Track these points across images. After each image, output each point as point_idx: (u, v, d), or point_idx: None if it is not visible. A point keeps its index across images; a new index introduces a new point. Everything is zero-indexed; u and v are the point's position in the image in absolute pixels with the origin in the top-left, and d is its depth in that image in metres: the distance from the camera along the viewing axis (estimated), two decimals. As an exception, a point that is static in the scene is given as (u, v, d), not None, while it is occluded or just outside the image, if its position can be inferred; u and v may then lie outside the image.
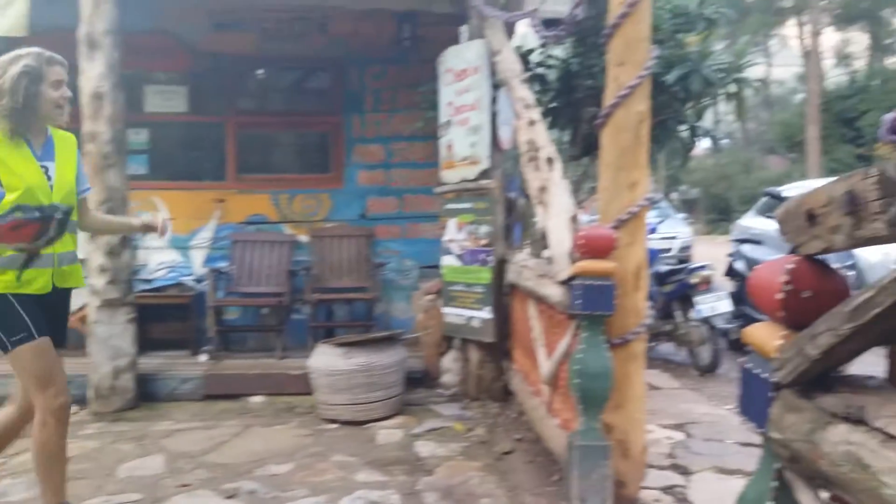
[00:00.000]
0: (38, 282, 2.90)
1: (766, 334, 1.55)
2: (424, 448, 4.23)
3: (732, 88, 5.21)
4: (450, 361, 5.54)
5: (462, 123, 5.29)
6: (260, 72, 7.14)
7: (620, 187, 3.16)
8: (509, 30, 5.36)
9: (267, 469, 3.90)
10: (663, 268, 6.92)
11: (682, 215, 18.16)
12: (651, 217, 9.99)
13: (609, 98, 3.16)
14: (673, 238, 15.47)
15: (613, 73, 3.15)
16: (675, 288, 6.57)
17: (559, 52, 6.27)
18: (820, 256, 1.48)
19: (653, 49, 3.21)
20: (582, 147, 6.00)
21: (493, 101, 5.11)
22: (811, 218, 1.39)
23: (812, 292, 1.42)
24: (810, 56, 27.38)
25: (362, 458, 4.06)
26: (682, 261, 11.68)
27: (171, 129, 6.79)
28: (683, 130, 5.76)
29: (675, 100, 5.26)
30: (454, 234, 5.38)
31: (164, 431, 4.53)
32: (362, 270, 6.62)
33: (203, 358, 5.93)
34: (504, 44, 4.88)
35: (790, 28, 34.29)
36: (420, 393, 5.44)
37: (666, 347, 7.15)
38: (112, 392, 4.97)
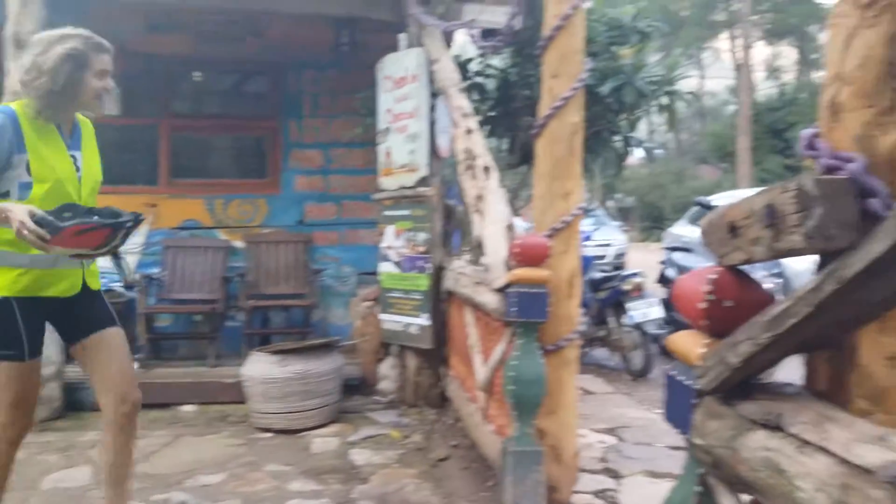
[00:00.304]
0: (64, 283, 2.66)
1: (689, 342, 1.59)
2: (360, 456, 4.21)
3: (664, 100, 5.34)
4: (387, 368, 5.54)
5: (401, 131, 5.30)
6: (196, 74, 7.02)
7: (555, 197, 3.21)
8: (448, 39, 5.39)
9: (198, 479, 3.83)
10: (597, 275, 7.05)
11: (617, 223, 18.51)
12: (586, 225, 10.17)
13: (544, 109, 3.21)
14: (608, 245, 15.76)
15: (548, 84, 3.20)
16: (609, 294, 6.70)
17: (498, 62, 6.34)
18: (743, 267, 1.52)
19: (587, 61, 3.27)
20: (520, 156, 6.08)
21: (432, 109, 5.13)
22: (733, 230, 1.44)
23: (733, 302, 1.47)
24: (742, 69, 28.25)
25: (297, 467, 4.02)
26: (617, 268, 11.91)
27: (102, 131, 6.58)
28: (617, 141, 5.88)
29: (609, 111, 5.37)
30: (392, 240, 5.38)
31: (91, 442, 4.40)
32: (299, 277, 6.56)
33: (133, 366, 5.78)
34: (442, 52, 4.91)
35: (723, 41, 35.37)
36: (357, 400, 5.41)
37: (600, 353, 7.27)
38: (37, 402, 4.79)
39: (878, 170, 1.25)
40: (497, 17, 5.09)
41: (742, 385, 1.43)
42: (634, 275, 6.65)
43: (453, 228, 5.51)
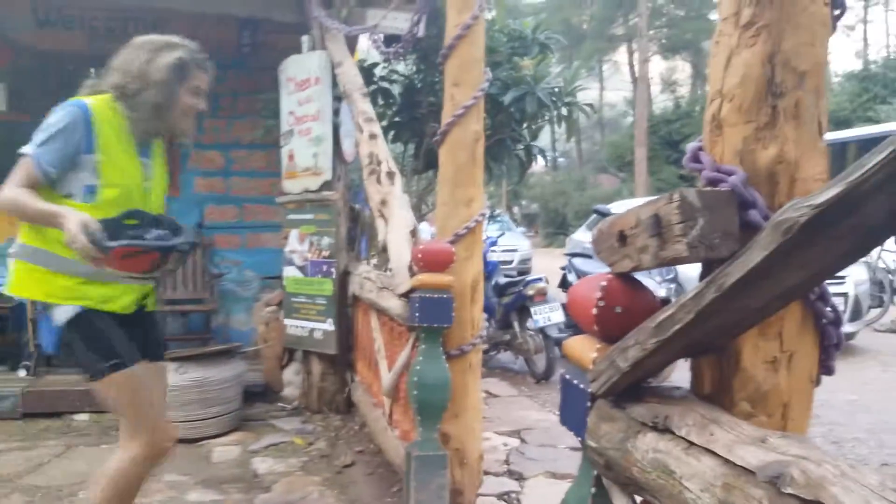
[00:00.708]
0: (126, 298, 2.45)
1: (583, 347, 1.63)
2: (262, 464, 4.13)
3: (564, 111, 5.47)
4: (292, 374, 5.45)
5: (304, 134, 5.23)
6: (91, 72, 6.73)
7: (457, 203, 3.23)
8: (351, 43, 5.37)
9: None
10: (503, 280, 7.15)
11: (522, 229, 18.85)
12: (492, 230, 10.29)
13: (446, 117, 3.23)
14: (514, 251, 16.04)
15: (450, 92, 3.22)
16: (513, 299, 6.80)
17: (403, 67, 6.36)
18: (640, 272, 1.58)
19: (487, 71, 3.31)
20: (425, 161, 6.11)
21: (336, 112, 5.09)
22: (622, 238, 1.48)
23: (623, 308, 1.51)
24: (639, 82, 29.23)
25: (195, 477, 3.90)
26: (522, 273, 12.13)
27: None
28: (520, 149, 5.99)
29: (511, 120, 5.46)
30: (296, 245, 5.31)
31: None
32: (198, 281, 6.38)
33: (22, 373, 5.50)
34: (345, 56, 4.88)
35: (622, 55, 36.53)
36: (260, 407, 5.31)
37: (505, 356, 7.37)
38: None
39: (758, 182, 1.32)
40: (400, 23, 5.10)
41: (633, 388, 1.48)
42: (538, 280, 6.78)
43: (360, 233, 5.48)
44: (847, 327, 7.18)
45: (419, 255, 3.14)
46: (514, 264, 15.49)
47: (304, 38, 5.31)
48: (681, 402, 1.37)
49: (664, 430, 1.31)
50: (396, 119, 6.27)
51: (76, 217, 2.12)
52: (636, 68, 31.17)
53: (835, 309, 1.35)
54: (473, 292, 3.32)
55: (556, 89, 5.35)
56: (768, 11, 1.28)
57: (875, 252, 9.07)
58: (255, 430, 4.76)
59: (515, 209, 36.95)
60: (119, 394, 2.40)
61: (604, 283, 1.54)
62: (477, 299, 3.35)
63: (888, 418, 5.03)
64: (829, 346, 1.37)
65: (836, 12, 1.35)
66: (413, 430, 3.33)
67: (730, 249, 1.24)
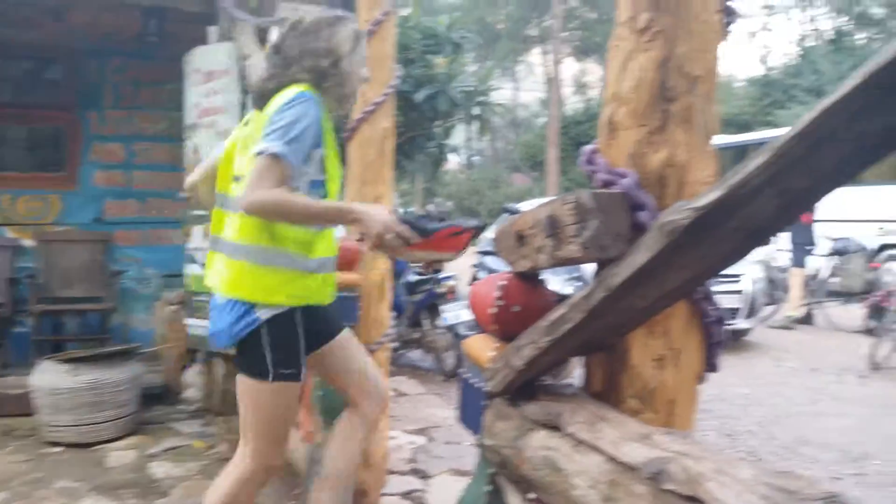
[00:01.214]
0: (330, 288, 2.33)
1: (481, 346, 1.64)
2: (160, 469, 3.99)
3: (477, 110, 5.51)
4: (194, 375, 5.29)
5: (210, 127, 5.08)
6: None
7: (366, 201, 3.21)
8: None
9: (-27, 501, 3.47)
10: (413, 277, 7.14)
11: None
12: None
13: (355, 113, 3.20)
14: (426, 248, 16.02)
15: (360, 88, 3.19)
16: (424, 297, 6.80)
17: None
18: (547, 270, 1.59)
19: (398, 68, 3.30)
20: (340, 158, 6.04)
21: (244, 106, 4.97)
22: (521, 238, 1.49)
23: (521, 307, 1.53)
24: (552, 83, 29.73)
25: (89, 483, 3.74)
26: (436, 270, 12.16)
27: None
28: (432, 147, 6.00)
29: (424, 118, 5.46)
30: (199, 241, 5.15)
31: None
32: (96, 279, 6.12)
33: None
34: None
35: (536, 56, 37.10)
36: (160, 410, 5.13)
37: (415, 354, 7.37)
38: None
39: (649, 185, 1.35)
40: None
41: (528, 386, 1.50)
42: (448, 278, 6.80)
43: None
44: (743, 324, 7.49)
45: (326, 253, 3.09)
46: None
47: (212, 29, 5.16)
48: (572, 399, 1.39)
49: (555, 427, 1.33)
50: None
51: (375, 209, 2.06)
52: (549, 70, 31.71)
53: (718, 308, 1.39)
54: (381, 291, 3.31)
55: (470, 88, 5.38)
56: (664, 17, 1.31)
57: (770, 251, 9.50)
58: (153, 434, 4.60)
59: (430, 207, 37.01)
60: (270, 403, 2.24)
61: (502, 283, 1.55)
62: (384, 298, 3.33)
63: (779, 411, 5.27)
64: (714, 343, 1.42)
65: (728, 20, 1.39)
66: (317, 432, 3.29)
67: (620, 250, 1.26)
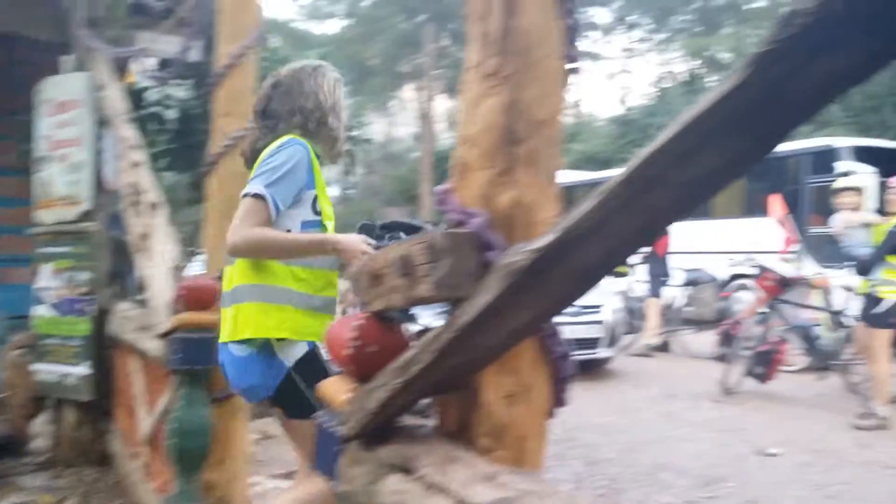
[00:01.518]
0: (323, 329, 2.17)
1: (336, 388, 1.61)
2: (-1, 528, 3.68)
3: (346, 145, 5.49)
4: (41, 424, 4.93)
5: (62, 160, 4.82)
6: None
7: (227, 236, 3.11)
8: (120, 65, 5.05)
9: None
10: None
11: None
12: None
13: (215, 147, 3.12)
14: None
15: (219, 122, 3.13)
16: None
17: (181, 92, 6.09)
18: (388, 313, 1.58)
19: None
20: (201, 192, 5.85)
21: (99, 138, 4.75)
22: (375, 278, 1.48)
23: (377, 348, 1.51)
24: (425, 119, 30.17)
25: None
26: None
27: None
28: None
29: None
30: (49, 280, 4.84)
31: None
32: (-69, 321, 5.62)
33: None
34: (110, 79, 4.58)
35: (409, 92, 37.61)
36: (4, 463, 4.74)
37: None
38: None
39: (498, 225, 1.37)
40: (174, 46, 4.88)
41: (382, 429, 1.48)
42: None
43: (129, 267, 5.10)
44: (604, 353, 7.77)
45: (182, 293, 2.97)
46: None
47: (65, 59, 4.92)
48: (426, 441, 1.38)
49: (407, 470, 1.31)
50: (171, 146, 5.96)
51: (352, 237, 2.19)
52: (422, 106, 32.18)
53: (564, 344, 1.43)
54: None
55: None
56: (510, 63, 1.34)
57: (629, 282, 9.95)
58: (-6, 489, 4.25)
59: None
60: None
61: (359, 323, 1.53)
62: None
63: (638, 438, 5.47)
64: (562, 379, 1.45)
65: (571, 66, 1.45)
66: (171, 482, 3.13)
67: (471, 290, 1.27)
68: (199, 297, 2.95)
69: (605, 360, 8.08)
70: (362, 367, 1.52)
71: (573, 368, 1.46)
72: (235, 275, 2.32)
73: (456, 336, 1.16)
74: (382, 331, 1.54)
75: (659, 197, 0.88)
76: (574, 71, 1.42)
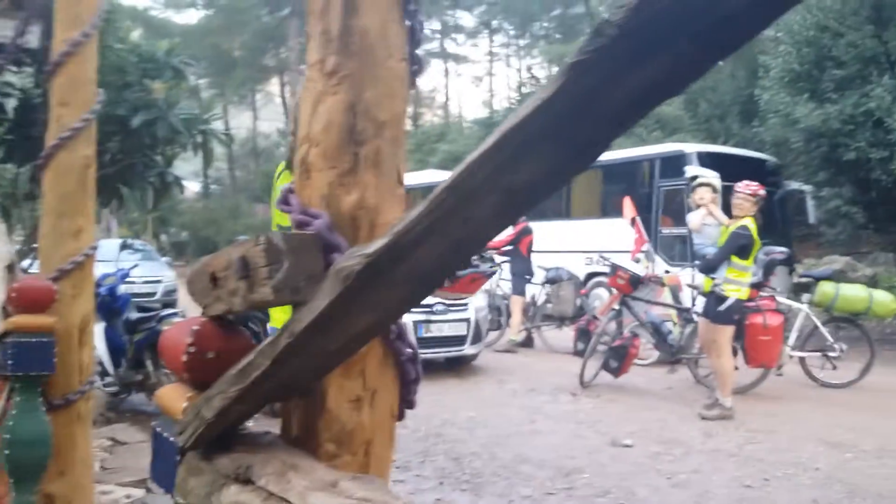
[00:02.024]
0: None
1: (174, 396, 1.54)
2: None
3: (200, 138, 5.30)
4: None
5: None
6: None
7: (63, 235, 2.91)
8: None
9: None
10: (134, 315, 6.65)
11: (166, 259, 17.88)
12: (126, 261, 9.56)
13: (51, 139, 2.91)
14: (157, 282, 15.12)
15: (57, 112, 2.91)
16: (146, 336, 6.34)
17: (19, 80, 5.67)
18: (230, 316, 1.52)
19: (101, 92, 3.06)
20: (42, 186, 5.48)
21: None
22: (214, 280, 1.42)
23: (217, 353, 1.45)
24: (291, 113, 29.66)
25: None
26: (168, 305, 11.45)
27: None
28: (154, 175, 5.65)
29: (143, 144, 5.14)
30: None
31: None
32: None
33: None
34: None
35: (275, 86, 36.82)
36: None
37: (138, 398, 6.84)
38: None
39: (342, 226, 1.34)
40: (8, 31, 4.52)
41: (222, 438, 1.42)
42: (174, 314, 6.42)
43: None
44: (469, 349, 7.88)
45: (14, 294, 2.76)
46: (157, 296, 14.57)
47: None
48: (266, 449, 1.34)
49: (246, 480, 1.27)
50: (8, 137, 5.55)
51: None
52: (288, 99, 31.60)
53: (412, 346, 1.42)
54: (82, 334, 3.01)
55: (190, 115, 5.14)
56: (350, 62, 1.32)
57: (494, 281, 10.17)
58: None
59: (163, 237, 35.09)
60: None
61: (195, 328, 1.47)
62: (86, 342, 3.04)
63: (501, 432, 5.58)
64: (409, 381, 1.44)
65: (415, 68, 1.44)
66: (7, 495, 2.90)
67: (314, 293, 1.24)
68: (34, 299, 2.75)
69: (470, 357, 8.19)
70: (200, 374, 1.46)
71: (420, 371, 1.46)
72: None
73: (293, 342, 1.13)
74: (222, 336, 1.48)
75: (485, 203, 0.88)
76: (418, 73, 1.42)
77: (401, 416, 1.47)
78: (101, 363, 6.51)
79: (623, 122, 0.81)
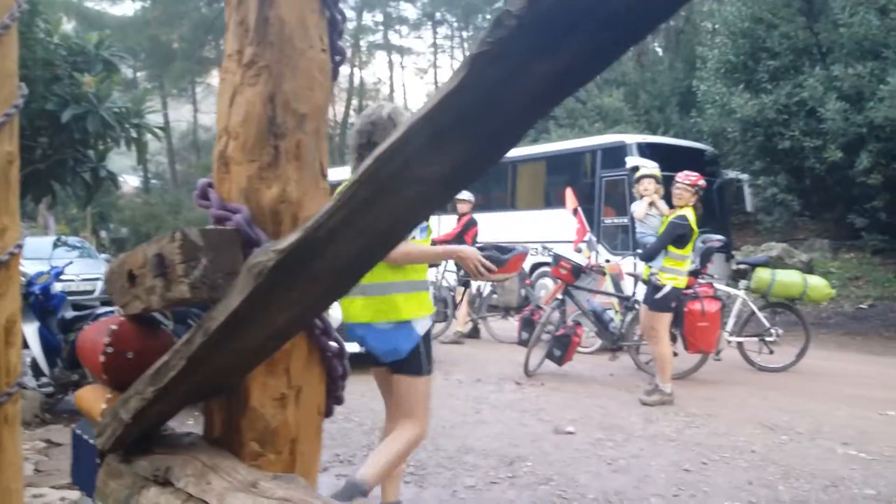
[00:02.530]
0: None
1: (93, 398, 1.49)
2: None
3: (133, 133, 5.16)
4: None
5: None
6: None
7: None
8: None
9: None
10: (70, 314, 6.47)
11: (105, 256, 17.45)
12: (61, 259, 9.29)
13: (-32, 134, 2.79)
14: (96, 279, 14.74)
15: (-26, 106, 2.80)
16: (82, 335, 6.19)
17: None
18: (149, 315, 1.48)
19: (23, 86, 2.94)
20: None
21: None
22: (132, 278, 1.38)
23: (136, 353, 1.41)
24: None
25: None
26: (107, 303, 11.14)
27: None
28: (86, 170, 5.49)
29: (73, 139, 4.98)
30: None
31: None
32: None
33: None
34: None
35: (215, 78, 36.13)
36: None
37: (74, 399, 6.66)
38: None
39: (263, 221, 1.32)
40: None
41: (143, 439, 1.39)
42: (110, 313, 6.26)
43: None
44: (415, 343, 7.86)
45: (-68, 295, 2.65)
46: (96, 294, 14.21)
47: None
48: (187, 450, 1.31)
49: (165, 482, 1.24)
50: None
51: (468, 248, 3.19)
52: (231, 92, 31.07)
53: (339, 341, 1.40)
54: (8, 335, 2.90)
55: (123, 109, 5.00)
56: (268, 52, 1.29)
57: (439, 271, 10.17)
58: None
59: (103, 234, 34.26)
60: (426, 390, 3.06)
61: (114, 327, 1.42)
62: (13, 343, 2.92)
63: (445, 423, 5.59)
64: (336, 377, 1.43)
65: (337, 58, 1.42)
66: (-71, 504, 2.80)
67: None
68: (-46, 301, 2.65)
69: (415, 350, 8.19)
70: (119, 375, 1.42)
71: (347, 367, 1.44)
72: (378, 275, 2.93)
73: (208, 340, 1.10)
74: (141, 335, 1.44)
75: (400, 196, 0.86)
76: (340, 63, 1.40)
77: (328, 413, 1.45)
78: (35, 363, 6.34)
79: (533, 113, 0.80)
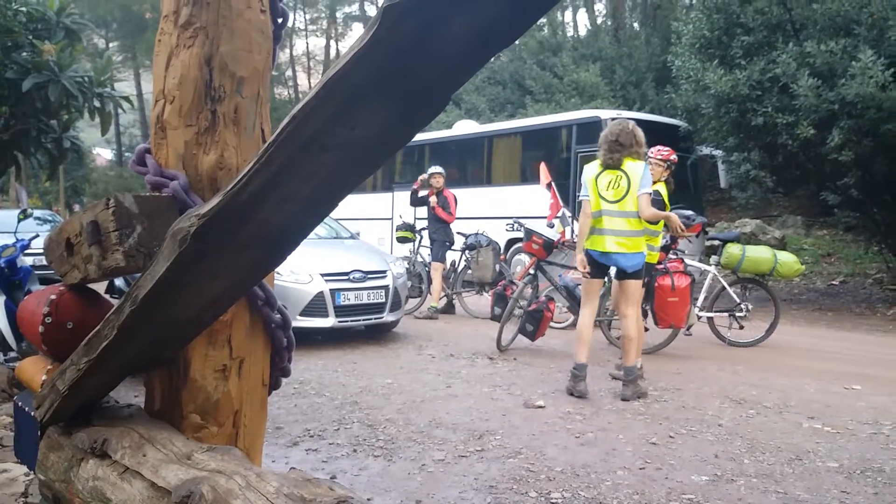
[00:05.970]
0: None
1: (34, 370, 1.46)
2: None
3: (97, 103, 5.05)
4: None
5: None
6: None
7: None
8: None
9: None
10: (36, 287, 6.37)
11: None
12: (29, 232, 9.15)
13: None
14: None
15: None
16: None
17: None
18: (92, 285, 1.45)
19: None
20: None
21: None
22: (70, 247, 1.35)
23: (76, 323, 1.38)
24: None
25: None
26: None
27: None
28: (50, 141, 5.38)
29: (35, 109, 4.87)
30: None
31: None
32: None
33: None
34: None
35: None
36: None
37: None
38: None
39: (201, 188, 1.28)
40: None
41: (83, 411, 1.36)
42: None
43: None
44: (389, 317, 7.86)
45: None
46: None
47: None
48: (126, 422, 1.28)
49: (103, 455, 1.21)
50: None
51: (672, 213, 5.49)
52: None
53: (282, 312, 1.38)
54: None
55: (85, 79, 4.88)
56: (205, 13, 1.25)
57: (415, 247, 10.14)
58: None
59: (76, 207, 33.87)
60: (640, 288, 5.46)
61: (53, 297, 1.39)
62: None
63: (416, 397, 5.59)
64: (282, 349, 1.40)
65: (279, 20, 1.38)
66: None
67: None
68: None
69: (391, 325, 8.17)
70: (58, 346, 1.39)
71: (292, 338, 1.42)
72: (625, 225, 5.18)
73: (136, 310, 1.07)
74: (81, 305, 1.41)
75: (325, 159, 0.83)
76: (283, 26, 1.35)
77: (275, 386, 1.43)
78: (2, 337, 6.26)
79: (462, 72, 0.77)
